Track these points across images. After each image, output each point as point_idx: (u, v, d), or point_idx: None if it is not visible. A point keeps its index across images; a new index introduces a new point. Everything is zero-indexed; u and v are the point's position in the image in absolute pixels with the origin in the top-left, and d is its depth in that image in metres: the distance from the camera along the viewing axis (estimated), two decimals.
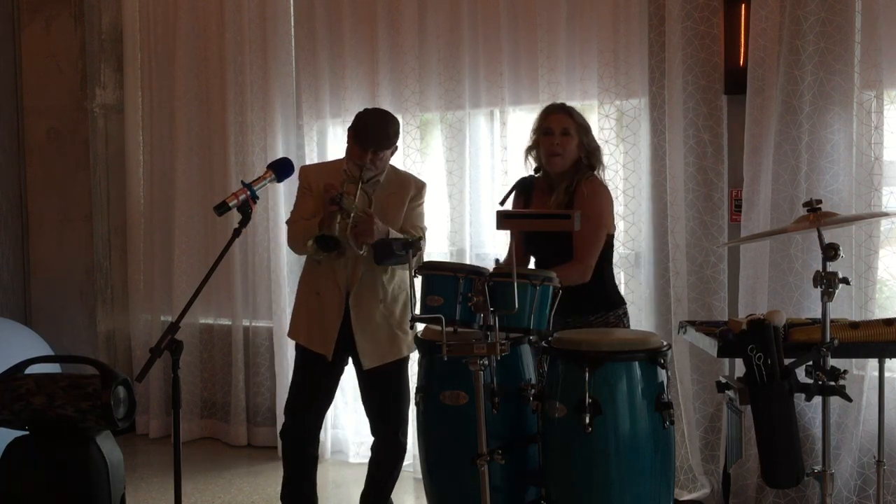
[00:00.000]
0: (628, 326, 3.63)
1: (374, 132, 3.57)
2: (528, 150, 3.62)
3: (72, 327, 5.75)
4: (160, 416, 5.63)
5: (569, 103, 4.37)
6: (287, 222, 3.76)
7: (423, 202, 3.76)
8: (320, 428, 3.80)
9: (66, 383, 3.67)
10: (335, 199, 3.40)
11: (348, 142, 3.62)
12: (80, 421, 3.64)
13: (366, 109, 3.74)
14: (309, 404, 3.70)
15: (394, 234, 3.51)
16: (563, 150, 3.48)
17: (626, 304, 3.66)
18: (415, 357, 3.71)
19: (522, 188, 3.68)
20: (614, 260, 4.21)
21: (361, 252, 3.48)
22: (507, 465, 3.03)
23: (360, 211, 3.46)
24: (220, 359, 5.58)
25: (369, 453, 3.81)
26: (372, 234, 3.44)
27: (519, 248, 3.60)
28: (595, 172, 3.56)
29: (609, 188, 3.66)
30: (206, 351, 5.63)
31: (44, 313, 5.85)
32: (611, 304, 3.55)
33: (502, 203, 3.69)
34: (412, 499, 4.49)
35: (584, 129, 3.52)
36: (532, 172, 3.63)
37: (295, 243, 3.71)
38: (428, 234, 3.77)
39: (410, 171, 4.25)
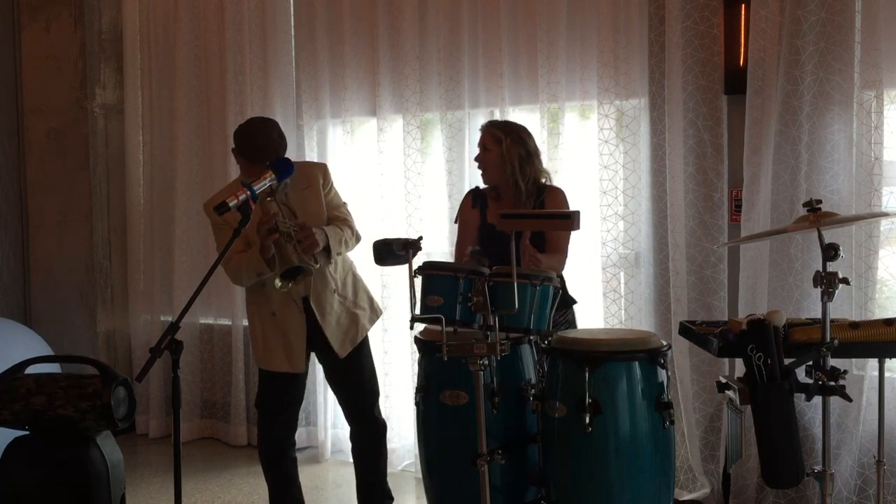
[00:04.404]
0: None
1: (266, 143, 3.49)
2: None
3: (72, 327, 5.75)
4: (160, 416, 5.64)
5: (568, 103, 4.48)
6: (220, 263, 3.27)
7: (332, 182, 3.72)
8: (294, 431, 3.79)
9: (66, 383, 3.67)
10: (272, 228, 3.31)
11: (241, 163, 3.56)
12: (80, 421, 3.64)
13: (240, 125, 3.61)
14: (279, 418, 3.70)
15: (329, 231, 3.50)
16: (484, 164, 3.70)
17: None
18: (415, 357, 3.70)
19: (476, 198, 3.81)
20: (614, 260, 4.30)
21: (317, 266, 3.47)
22: (507, 465, 3.04)
23: (294, 227, 3.40)
24: (220, 359, 5.58)
25: None
26: (316, 243, 3.43)
27: (466, 245, 3.55)
28: (544, 181, 3.71)
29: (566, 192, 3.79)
30: (206, 351, 5.64)
31: (44, 313, 5.86)
32: (566, 303, 3.64)
33: (456, 221, 3.87)
34: (412, 499, 4.49)
35: (497, 139, 3.64)
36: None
37: (239, 278, 3.59)
38: (376, 225, 3.75)
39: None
